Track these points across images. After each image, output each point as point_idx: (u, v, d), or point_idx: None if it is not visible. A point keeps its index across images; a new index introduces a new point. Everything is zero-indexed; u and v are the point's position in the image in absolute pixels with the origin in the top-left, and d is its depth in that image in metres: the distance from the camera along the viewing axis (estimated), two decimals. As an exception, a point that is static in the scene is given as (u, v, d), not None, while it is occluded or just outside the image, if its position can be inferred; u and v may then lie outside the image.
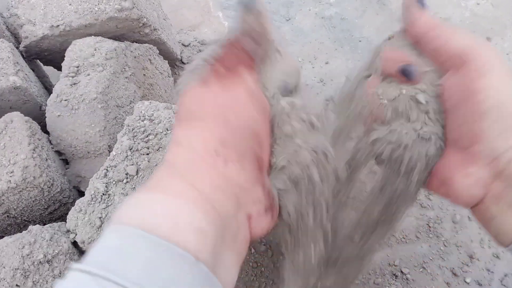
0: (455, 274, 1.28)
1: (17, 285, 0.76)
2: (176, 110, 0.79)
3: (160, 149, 0.89)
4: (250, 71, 0.50)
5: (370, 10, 1.93)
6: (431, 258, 1.29)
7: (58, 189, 1.04)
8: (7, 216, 0.98)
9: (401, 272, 1.26)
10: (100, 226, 0.82)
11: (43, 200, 1.00)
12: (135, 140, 0.91)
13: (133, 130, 0.93)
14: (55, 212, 1.07)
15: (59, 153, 1.12)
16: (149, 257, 0.37)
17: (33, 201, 0.99)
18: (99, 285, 0.34)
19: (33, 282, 0.78)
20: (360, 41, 1.82)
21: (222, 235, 0.42)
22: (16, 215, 0.99)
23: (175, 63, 1.77)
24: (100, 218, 0.83)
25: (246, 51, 0.49)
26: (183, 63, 1.84)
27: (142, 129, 0.92)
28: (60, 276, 0.81)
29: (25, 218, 1.03)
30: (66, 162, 1.15)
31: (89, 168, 1.10)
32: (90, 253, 0.39)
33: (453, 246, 1.32)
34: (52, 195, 1.03)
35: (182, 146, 0.45)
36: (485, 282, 1.27)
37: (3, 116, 0.99)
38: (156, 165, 0.86)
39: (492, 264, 1.29)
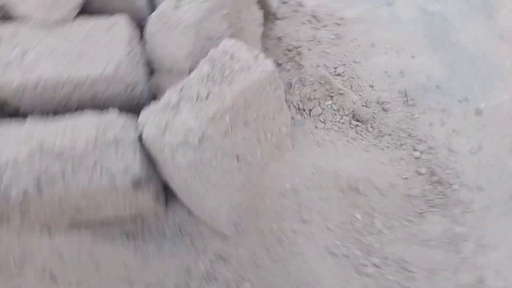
0: (459, 291, 1.32)
1: (87, 151, 0.95)
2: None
3: (231, 83, 1.00)
4: None
5: (475, 18, 1.86)
6: (442, 268, 1.33)
7: (139, 93, 1.20)
8: (92, 102, 1.17)
9: (409, 270, 1.32)
10: (164, 129, 0.97)
11: (125, 96, 1.17)
12: (213, 69, 1.03)
13: (214, 60, 1.05)
14: (133, 110, 1.24)
15: (148, 62, 1.28)
16: None
17: (117, 94, 1.16)
18: None
19: (99, 154, 0.96)
20: (454, 45, 1.78)
21: None
22: (99, 103, 1.17)
23: (269, 15, 1.86)
24: (165, 124, 0.98)
25: None
26: (277, 18, 1.92)
27: (222, 62, 1.04)
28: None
29: (106, 108, 1.21)
30: (152, 71, 1.31)
31: (169, 83, 1.24)
32: None
33: (468, 266, 1.35)
34: (134, 94, 1.19)
35: None
36: (486, 309, 1.30)
37: (114, 15, 1.15)
38: (221, 95, 0.98)
39: (501, 296, 1.31)
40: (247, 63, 1.04)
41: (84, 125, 0.98)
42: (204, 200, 1.13)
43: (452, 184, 1.43)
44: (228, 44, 1.10)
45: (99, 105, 1.20)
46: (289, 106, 1.58)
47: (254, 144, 1.13)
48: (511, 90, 1.63)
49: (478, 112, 1.58)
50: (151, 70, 1.31)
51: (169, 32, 1.19)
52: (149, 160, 1.10)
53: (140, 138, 1.04)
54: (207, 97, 0.99)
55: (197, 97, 1.00)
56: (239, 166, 1.12)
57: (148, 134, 0.99)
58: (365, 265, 1.30)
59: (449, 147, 1.51)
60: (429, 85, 1.65)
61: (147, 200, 1.18)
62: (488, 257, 1.38)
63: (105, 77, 1.10)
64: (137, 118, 1.04)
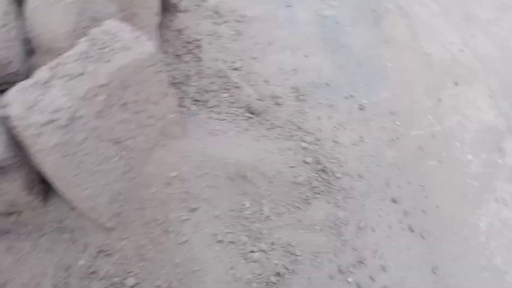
0: (340, 271, 1.41)
1: None
2: None
3: (108, 62, 0.97)
4: None
5: (363, 24, 2.02)
6: (325, 250, 1.42)
7: (14, 70, 1.12)
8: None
9: (294, 254, 1.38)
10: (31, 108, 0.91)
11: (-5, 75, 1.09)
12: (92, 47, 1.00)
13: (94, 39, 1.02)
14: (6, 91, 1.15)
15: (28, 41, 1.20)
16: None
17: (-15, 72, 1.07)
18: None
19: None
20: (343, 47, 1.92)
21: None
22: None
23: (170, 7, 1.84)
24: (33, 101, 0.92)
25: None
26: (178, 10, 1.92)
27: (102, 40, 1.01)
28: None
29: (-26, 87, 1.11)
30: (32, 51, 1.23)
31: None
32: None
33: (349, 248, 1.45)
34: (6, 73, 1.11)
35: None
36: (365, 287, 1.41)
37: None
38: (96, 73, 0.95)
39: (377, 274, 1.42)
40: (128, 43, 1.02)
41: None
42: (80, 188, 1.08)
43: (335, 173, 1.53)
44: (111, 24, 1.07)
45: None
46: (185, 97, 1.59)
47: (135, 128, 1.10)
48: (391, 88, 1.80)
49: (361, 108, 1.72)
50: (31, 49, 1.23)
51: (50, 8, 1.12)
52: (18, 145, 1.03)
53: (5, 119, 0.96)
54: (81, 75, 0.96)
55: (71, 74, 0.95)
56: (118, 151, 1.09)
57: (13, 113, 0.92)
58: (252, 251, 1.34)
59: (334, 139, 1.61)
60: (319, 82, 1.76)
61: (15, 190, 1.10)
62: (367, 238, 1.50)
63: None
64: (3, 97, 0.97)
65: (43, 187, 1.26)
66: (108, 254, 1.26)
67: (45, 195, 1.28)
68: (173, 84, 1.60)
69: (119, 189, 1.18)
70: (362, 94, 1.76)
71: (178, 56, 1.71)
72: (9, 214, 1.20)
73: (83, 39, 1.03)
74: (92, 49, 0.99)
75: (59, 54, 1.15)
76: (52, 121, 0.91)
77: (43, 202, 1.25)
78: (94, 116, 0.96)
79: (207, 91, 1.62)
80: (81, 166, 1.02)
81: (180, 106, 1.54)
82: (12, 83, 1.14)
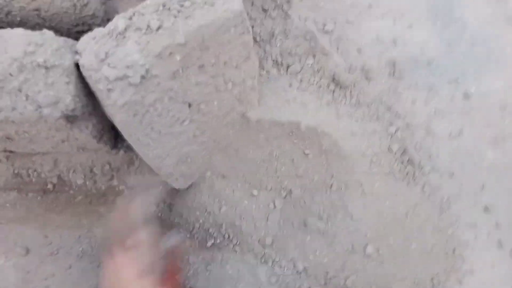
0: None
1: (10, 74, 0.81)
2: None
3: (188, 17, 0.86)
4: None
5: (484, -3, 1.71)
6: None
7: (91, 12, 1.05)
8: (37, 15, 1.02)
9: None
10: (103, 60, 0.84)
11: (74, 16, 1.02)
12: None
13: (176, -11, 0.90)
14: (83, 33, 1.10)
15: (108, -18, 1.12)
16: None
17: (64, 12, 1.01)
18: None
19: (25, 78, 0.83)
20: (455, 21, 1.63)
21: None
22: (45, 17, 1.02)
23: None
24: (106, 53, 0.84)
25: None
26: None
27: (184, -8, 0.90)
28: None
29: (53, 25, 1.06)
30: (112, -6, 1.15)
31: (127, 8, 1.09)
32: None
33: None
34: (83, 15, 1.04)
35: None
36: None
37: None
38: (175, 30, 0.84)
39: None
40: (212, -2, 0.90)
41: (10, 44, 0.84)
42: (148, 148, 1.02)
43: (423, 167, 1.34)
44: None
45: (45, 22, 1.06)
46: (266, 58, 1.45)
47: (211, 92, 1.00)
48: (506, 78, 1.51)
49: (466, 96, 1.47)
50: (112, -8, 1.15)
51: None
52: (90, 94, 0.98)
53: (78, 66, 0.90)
54: (157, 29, 0.86)
55: (147, 27, 0.86)
56: (190, 114, 1.00)
57: (85, 63, 0.85)
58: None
59: (428, 128, 1.40)
60: (421, 59, 1.52)
61: (84, 139, 1.07)
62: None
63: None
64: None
65: (114, 134, 1.24)
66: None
67: (115, 142, 1.26)
68: (255, 42, 1.46)
69: (188, 152, 1.11)
70: (470, 80, 1.50)
71: (264, 10, 1.55)
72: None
73: (163, -13, 0.92)
74: (173, 0, 0.88)
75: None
76: (124, 77, 0.83)
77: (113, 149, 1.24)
78: (168, 76, 0.87)
79: (291, 54, 1.46)
80: (150, 126, 0.96)
81: (260, 68, 1.41)
82: (90, 25, 1.08)
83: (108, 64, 0.83)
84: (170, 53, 0.85)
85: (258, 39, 1.48)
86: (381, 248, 1.20)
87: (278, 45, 1.47)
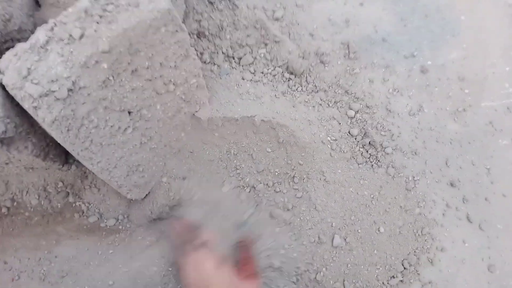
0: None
1: None
2: None
3: (111, 22, 0.81)
4: None
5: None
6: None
7: (16, 27, 0.98)
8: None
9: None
10: (26, 77, 0.78)
11: (-1, 32, 0.96)
12: (95, 3, 0.83)
13: (99, -7, 0.84)
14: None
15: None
16: None
17: (-16, 28, 0.94)
18: None
19: None
20: (407, -6, 1.60)
21: None
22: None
23: None
24: (28, 69, 0.78)
25: None
26: None
27: (108, -4, 0.84)
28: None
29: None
30: (39, 3, 1.09)
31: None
32: None
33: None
34: (9, 30, 0.98)
35: None
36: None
37: None
38: (97, 37, 0.79)
39: (423, 268, 1.25)
40: (135, 1, 0.84)
41: None
42: (92, 162, 0.97)
43: (385, 148, 1.32)
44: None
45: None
46: (217, 52, 1.40)
47: (151, 97, 0.95)
48: (462, 48, 1.50)
49: (424, 71, 1.45)
50: (38, 0, 1.08)
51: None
52: (24, 112, 0.91)
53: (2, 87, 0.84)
54: (80, 38, 0.80)
55: (69, 37, 0.80)
56: (132, 122, 0.95)
57: (8, 82, 0.79)
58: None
59: (387, 106, 1.38)
60: (375, 37, 1.49)
61: (29, 158, 1.01)
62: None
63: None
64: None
65: (63, 149, 1.18)
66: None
67: (65, 158, 1.21)
68: (204, 37, 1.41)
69: (137, 161, 1.06)
70: (426, 53, 1.48)
71: (211, 3, 1.49)
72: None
73: (87, -7, 0.86)
74: (95, 5, 0.82)
75: (68, 7, 0.99)
76: (49, 92, 0.78)
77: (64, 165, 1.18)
78: (98, 86, 0.82)
79: (241, 46, 1.42)
80: (90, 139, 0.90)
81: (211, 63, 1.36)
82: (19, 40, 1.02)
83: (31, 81, 0.77)
84: (96, 62, 0.80)
85: (206, 33, 1.42)
86: (348, 236, 1.18)
87: (228, 38, 1.42)
